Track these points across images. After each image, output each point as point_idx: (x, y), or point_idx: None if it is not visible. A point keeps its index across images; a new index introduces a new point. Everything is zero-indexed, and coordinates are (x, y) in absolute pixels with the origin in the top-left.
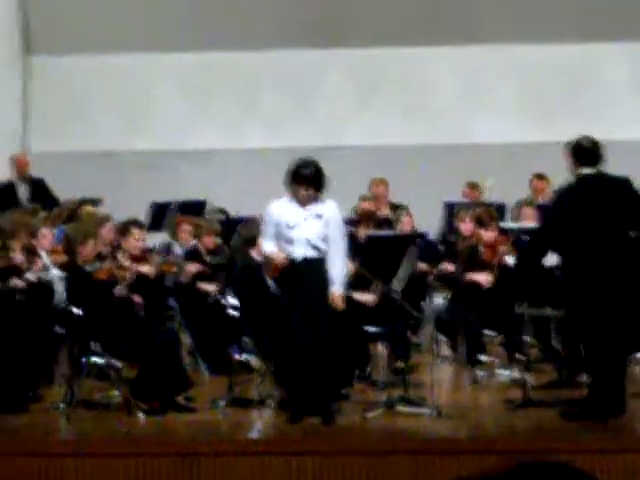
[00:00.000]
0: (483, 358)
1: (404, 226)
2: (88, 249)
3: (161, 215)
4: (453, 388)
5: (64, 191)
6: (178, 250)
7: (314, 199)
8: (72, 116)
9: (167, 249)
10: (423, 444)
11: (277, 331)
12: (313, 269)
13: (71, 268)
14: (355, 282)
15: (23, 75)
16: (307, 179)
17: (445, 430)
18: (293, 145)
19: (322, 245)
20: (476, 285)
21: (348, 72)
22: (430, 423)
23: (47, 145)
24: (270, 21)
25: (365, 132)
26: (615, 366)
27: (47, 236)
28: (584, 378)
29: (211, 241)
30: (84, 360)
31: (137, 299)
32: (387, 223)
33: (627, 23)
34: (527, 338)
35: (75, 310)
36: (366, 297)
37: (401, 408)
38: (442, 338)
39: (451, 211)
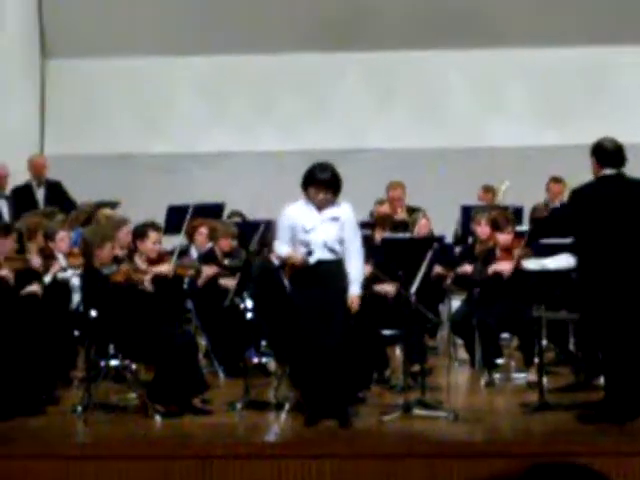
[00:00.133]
0: (499, 361)
1: (421, 229)
2: (105, 252)
3: (177, 218)
4: (469, 391)
5: (81, 194)
6: (194, 253)
7: (331, 203)
8: (88, 119)
9: (184, 252)
10: (439, 447)
11: (294, 333)
12: (330, 271)
13: (88, 271)
14: (371, 285)
15: (40, 78)
16: (326, 183)
17: (461, 433)
18: (308, 148)
19: (338, 247)
20: (495, 282)
21: (364, 75)
22: (446, 426)
23: (64, 148)
24: (286, 24)
25: (382, 135)
26: (632, 368)
27: (64, 239)
28: (601, 381)
29: (227, 244)
30: (101, 363)
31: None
32: (404, 226)
33: None
34: (544, 341)
35: (92, 313)
36: (387, 288)
37: (418, 411)
38: (459, 341)
39: (468, 214)
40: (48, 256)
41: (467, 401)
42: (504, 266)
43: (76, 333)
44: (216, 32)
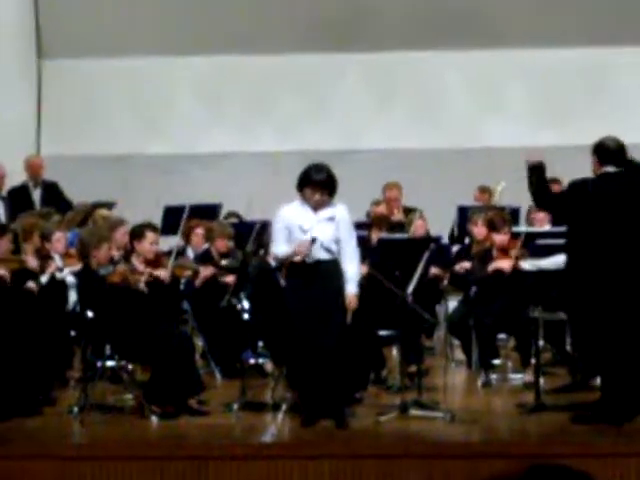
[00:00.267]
0: (496, 362)
1: (417, 230)
2: (102, 253)
3: (174, 219)
4: (466, 392)
5: (77, 194)
6: (190, 254)
7: (327, 204)
8: (86, 119)
9: (180, 253)
10: (436, 448)
11: (290, 334)
12: (327, 271)
13: (84, 272)
14: (367, 285)
15: (37, 79)
16: (321, 184)
17: (458, 434)
18: (305, 148)
19: (334, 247)
20: (495, 280)
21: (363, 76)
22: (443, 427)
23: (61, 148)
24: (286, 24)
25: (380, 136)
26: (629, 369)
27: (61, 240)
28: (597, 382)
29: (223, 244)
30: (98, 363)
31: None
32: (400, 227)
33: None
34: (540, 342)
35: (89, 313)
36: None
37: (414, 412)
38: (455, 342)
39: (464, 215)
40: (44, 257)
41: (464, 402)
42: (505, 263)
43: (72, 333)
44: (216, 32)
